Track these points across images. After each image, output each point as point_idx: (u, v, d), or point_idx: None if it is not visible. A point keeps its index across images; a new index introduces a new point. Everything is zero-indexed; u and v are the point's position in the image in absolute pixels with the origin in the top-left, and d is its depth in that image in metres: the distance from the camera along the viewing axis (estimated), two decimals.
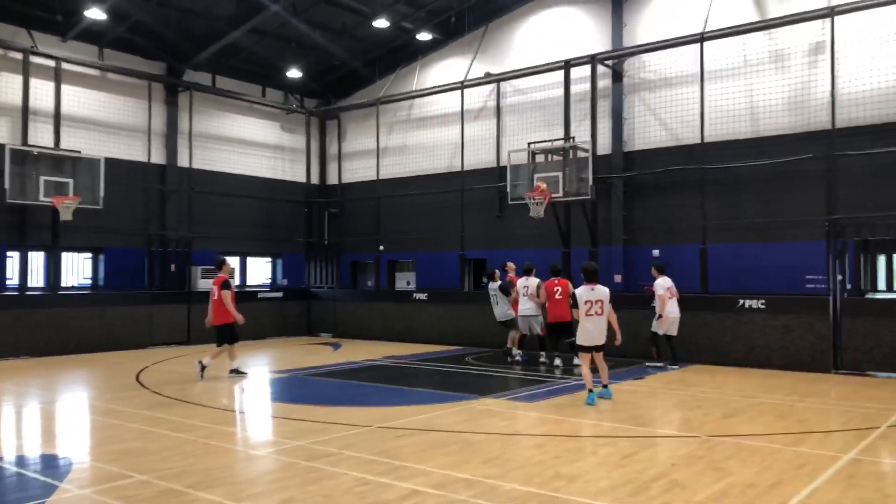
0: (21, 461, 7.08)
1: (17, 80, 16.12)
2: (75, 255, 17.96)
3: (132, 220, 18.27)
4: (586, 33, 17.76)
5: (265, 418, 9.60)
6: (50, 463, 7.04)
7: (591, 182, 15.27)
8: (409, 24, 19.51)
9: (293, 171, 22.42)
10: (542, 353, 13.82)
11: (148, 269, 18.29)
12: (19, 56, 16.13)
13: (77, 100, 17.39)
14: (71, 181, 15.92)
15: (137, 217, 18.45)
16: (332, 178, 23.05)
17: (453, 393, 10.78)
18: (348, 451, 7.16)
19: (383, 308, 19.44)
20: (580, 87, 16.98)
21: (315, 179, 22.96)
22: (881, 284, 14.17)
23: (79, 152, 16.39)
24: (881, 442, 7.68)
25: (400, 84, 21.25)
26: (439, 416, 9.05)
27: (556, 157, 15.91)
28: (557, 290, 12.97)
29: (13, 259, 16.32)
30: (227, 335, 12.37)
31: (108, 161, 16.82)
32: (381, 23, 18.84)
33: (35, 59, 16.37)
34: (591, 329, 9.96)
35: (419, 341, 18.16)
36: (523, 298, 13.87)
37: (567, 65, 16.86)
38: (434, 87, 19.85)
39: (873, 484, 6.11)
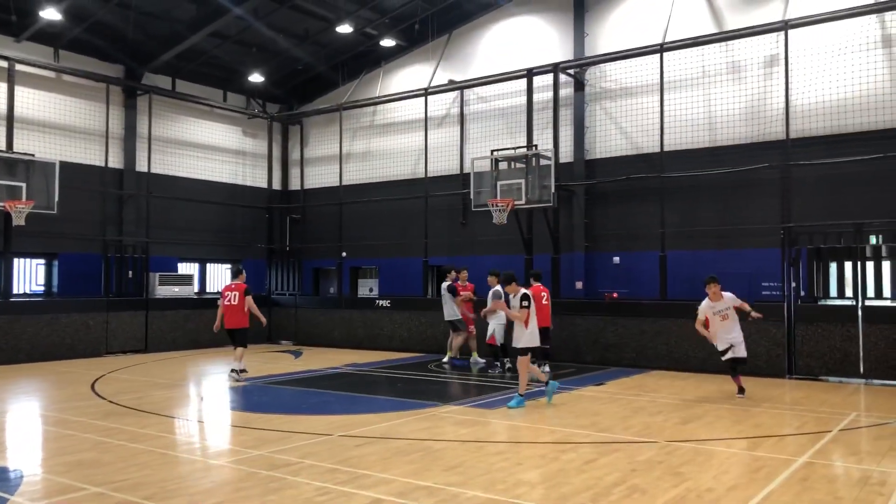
0: None
1: None
2: (28, 260, 17.48)
3: (88, 226, 17.86)
4: (549, 42, 17.95)
5: (224, 427, 9.45)
6: None
7: (553, 189, 15.40)
8: (373, 30, 19.48)
9: (254, 176, 22.19)
10: (507, 359, 13.90)
11: (104, 276, 17.90)
12: None
13: (31, 102, 16.97)
14: (24, 185, 15.50)
15: (93, 222, 18.05)
16: (295, 184, 22.87)
17: (415, 400, 10.75)
18: (309, 460, 7.09)
19: (346, 315, 19.33)
20: (543, 95, 17.15)
21: (277, 185, 22.75)
22: (833, 291, 14.55)
23: (32, 155, 15.98)
24: (833, 445, 7.88)
25: (363, 90, 21.20)
26: (401, 423, 9.02)
27: (518, 165, 16.03)
28: (543, 295, 13.46)
29: None
30: (245, 337, 13.11)
31: (64, 165, 16.44)
32: (345, 28, 18.78)
33: None
34: (536, 330, 10.38)
35: (382, 349, 18.10)
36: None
37: (530, 73, 17.00)
38: (398, 94, 19.84)
39: (826, 486, 6.25)
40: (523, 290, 10.37)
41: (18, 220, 15.18)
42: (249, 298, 12.89)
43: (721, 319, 11.00)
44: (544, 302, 13.43)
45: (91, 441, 8.02)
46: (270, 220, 22.25)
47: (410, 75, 20.33)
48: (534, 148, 16.14)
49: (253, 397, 11.61)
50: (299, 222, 22.40)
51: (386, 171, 20.53)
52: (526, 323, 10.15)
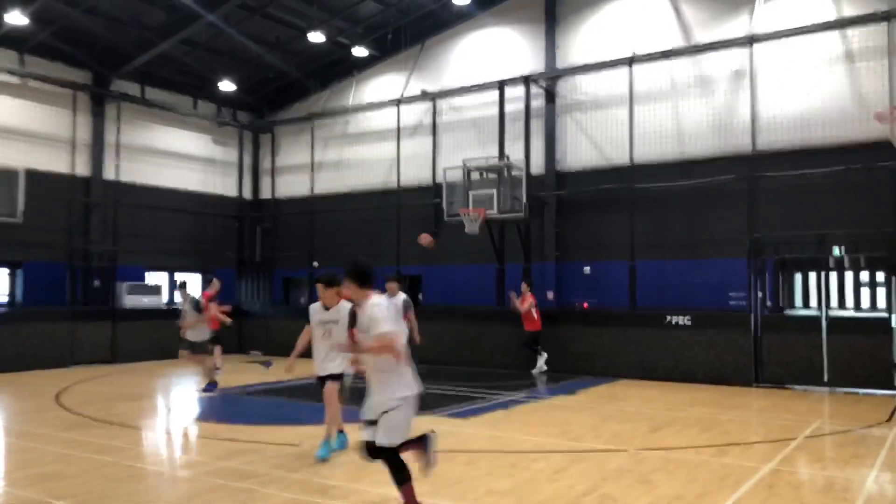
0: None
1: None
2: None
3: (54, 234, 17.53)
4: (520, 54, 18.07)
5: (192, 439, 9.32)
6: None
7: (524, 200, 15.51)
8: (346, 39, 19.47)
9: (224, 185, 21.98)
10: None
11: (70, 285, 17.58)
12: None
13: None
14: None
15: (59, 231, 17.71)
16: (265, 193, 22.70)
17: None
18: (279, 472, 7.02)
19: None
20: (514, 106, 17.25)
21: (247, 194, 22.57)
22: (798, 301, 14.81)
23: None
24: (798, 452, 8.01)
25: (335, 99, 21.15)
26: None
27: (490, 176, 16.12)
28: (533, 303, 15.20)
29: None
30: (217, 335, 14.64)
31: (29, 172, 16.10)
32: (317, 37, 18.70)
33: None
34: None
35: None
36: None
37: (501, 84, 17.12)
38: (370, 103, 19.84)
39: (791, 493, 6.35)
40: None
41: None
42: (213, 305, 14.45)
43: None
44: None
45: (55, 453, 7.85)
46: (241, 230, 22.06)
47: (383, 85, 20.34)
48: (505, 159, 16.25)
49: (222, 408, 11.46)
50: (270, 232, 22.23)
51: (358, 180, 20.47)
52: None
